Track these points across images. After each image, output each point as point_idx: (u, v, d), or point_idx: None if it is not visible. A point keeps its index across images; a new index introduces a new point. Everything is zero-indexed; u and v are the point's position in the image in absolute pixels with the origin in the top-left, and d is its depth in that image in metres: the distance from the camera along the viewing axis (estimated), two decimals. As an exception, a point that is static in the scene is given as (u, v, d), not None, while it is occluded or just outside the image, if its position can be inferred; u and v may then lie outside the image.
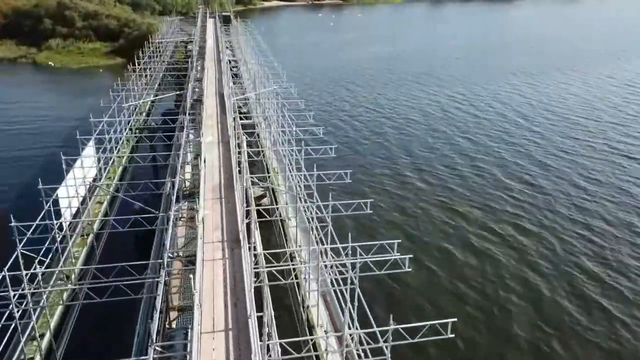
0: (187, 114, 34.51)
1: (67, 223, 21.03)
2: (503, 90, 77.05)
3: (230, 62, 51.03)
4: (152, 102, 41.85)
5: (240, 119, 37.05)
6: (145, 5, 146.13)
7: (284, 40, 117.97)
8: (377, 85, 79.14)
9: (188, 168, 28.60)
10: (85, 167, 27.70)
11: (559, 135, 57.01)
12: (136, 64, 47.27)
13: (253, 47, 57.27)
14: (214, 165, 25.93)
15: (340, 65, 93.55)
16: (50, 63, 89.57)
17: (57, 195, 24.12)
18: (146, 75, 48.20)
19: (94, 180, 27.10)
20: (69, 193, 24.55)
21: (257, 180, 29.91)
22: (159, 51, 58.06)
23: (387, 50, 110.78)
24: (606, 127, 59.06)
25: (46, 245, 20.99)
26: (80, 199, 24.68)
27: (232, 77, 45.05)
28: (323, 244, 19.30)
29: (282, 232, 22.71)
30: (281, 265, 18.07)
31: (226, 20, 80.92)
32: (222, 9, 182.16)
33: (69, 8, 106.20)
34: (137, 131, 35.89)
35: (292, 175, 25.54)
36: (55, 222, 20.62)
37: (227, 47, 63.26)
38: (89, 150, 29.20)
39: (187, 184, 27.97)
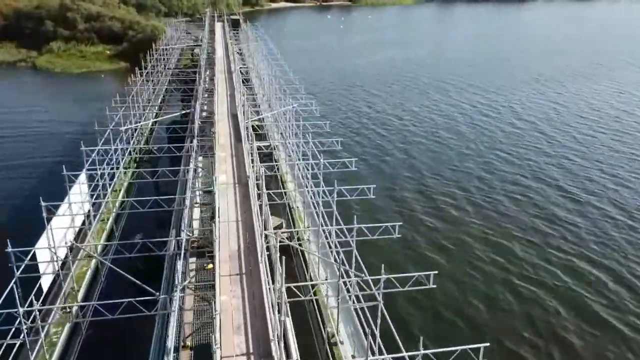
0: (195, 138, 29.15)
1: (35, 315, 15.64)
2: (529, 98, 71.40)
3: (241, 72, 45.71)
4: (154, 123, 36.40)
5: (256, 137, 31.62)
6: (151, 7, 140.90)
7: (294, 43, 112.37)
8: (397, 93, 73.47)
9: (196, 212, 23.25)
10: (71, 214, 22.43)
11: (601, 147, 51.58)
12: (138, 75, 42.02)
13: (265, 55, 51.76)
14: (230, 218, 20.48)
15: (356, 71, 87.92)
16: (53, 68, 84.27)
17: (34, 253, 18.91)
18: (148, 89, 42.81)
19: (77, 236, 21.76)
20: (48, 254, 19.24)
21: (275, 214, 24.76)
22: (164, 59, 52.71)
23: (402, 54, 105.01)
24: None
25: (8, 339, 15.70)
26: (61, 261, 19.31)
27: (245, 91, 39.57)
28: (378, 351, 13.96)
29: (318, 317, 17.29)
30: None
31: (235, 24, 75.31)
32: (229, 10, 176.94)
33: (71, 9, 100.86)
34: (135, 161, 30.59)
35: (325, 231, 20.15)
36: (21, 309, 15.27)
37: (237, 52, 57.81)
38: (77, 189, 23.85)
39: (196, 232, 22.69)
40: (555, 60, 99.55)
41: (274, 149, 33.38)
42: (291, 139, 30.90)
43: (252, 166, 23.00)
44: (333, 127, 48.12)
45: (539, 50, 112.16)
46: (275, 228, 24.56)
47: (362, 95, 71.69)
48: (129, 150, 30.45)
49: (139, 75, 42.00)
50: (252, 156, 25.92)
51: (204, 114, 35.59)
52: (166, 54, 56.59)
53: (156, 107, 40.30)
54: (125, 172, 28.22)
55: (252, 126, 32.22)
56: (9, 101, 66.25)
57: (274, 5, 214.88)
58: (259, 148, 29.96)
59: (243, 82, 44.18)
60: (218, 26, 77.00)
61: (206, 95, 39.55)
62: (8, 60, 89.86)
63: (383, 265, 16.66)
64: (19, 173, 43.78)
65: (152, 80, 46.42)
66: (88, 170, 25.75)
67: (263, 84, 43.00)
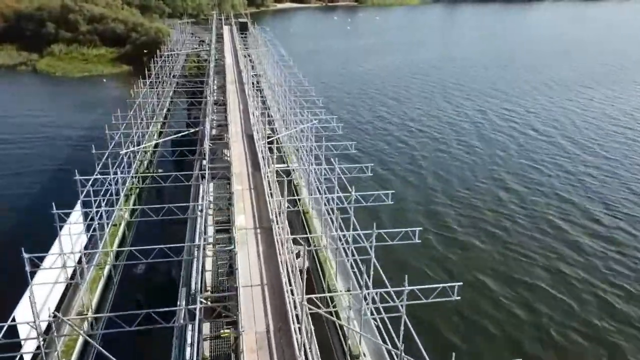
0: (205, 163, 25.31)
1: None
2: (546, 103, 67.49)
3: (254, 83, 41.90)
4: (157, 144, 32.60)
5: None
6: (154, 8, 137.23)
7: (302, 45, 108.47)
8: (415, 99, 69.42)
9: (209, 262, 19.44)
10: (62, 265, 18.68)
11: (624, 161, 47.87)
12: (140, 84, 38.26)
13: (277, 61, 47.57)
14: (254, 281, 16.61)
15: (369, 75, 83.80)
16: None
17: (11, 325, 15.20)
18: (152, 101, 39.03)
19: (66, 292, 18.05)
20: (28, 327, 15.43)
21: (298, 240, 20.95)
22: (169, 66, 48.92)
23: (413, 58, 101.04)
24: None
25: None
26: (43, 338, 15.48)
27: (259, 106, 35.56)
28: None
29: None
30: None
31: (243, 28, 71.06)
32: (235, 11, 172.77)
33: (73, 11, 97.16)
34: (137, 188, 26.81)
35: (367, 296, 16.32)
36: None
37: (245, 57, 53.76)
38: (67, 230, 20.02)
39: (209, 280, 18.95)
40: (569, 63, 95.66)
41: (293, 172, 29.52)
42: (312, 164, 26.91)
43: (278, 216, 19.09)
44: (357, 145, 44.05)
45: (550, 52, 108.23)
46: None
47: (379, 101, 67.74)
48: (129, 178, 26.60)
49: (141, 85, 38.25)
50: (271, 189, 22.12)
51: (214, 131, 31.74)
52: (171, 60, 52.80)
53: (159, 124, 36.48)
54: (127, 198, 24.42)
55: (269, 147, 28.41)
56: (5, 106, 62.55)
57: (279, 5, 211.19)
58: (278, 175, 26.08)
59: (255, 91, 40.32)
60: (225, 30, 72.92)
61: (216, 109, 35.67)
62: (8, 63, 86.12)
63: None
64: (5, 195, 39.78)
65: (156, 90, 42.69)
66: (82, 205, 21.91)
67: (276, 95, 39.11)
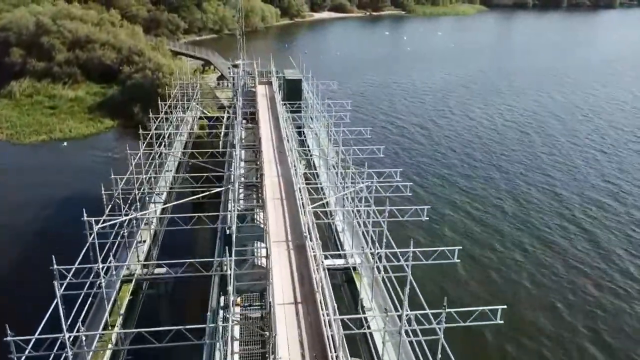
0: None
1: None
2: None
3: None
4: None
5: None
6: (166, 23, 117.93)
7: (360, 83, 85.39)
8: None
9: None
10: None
11: None
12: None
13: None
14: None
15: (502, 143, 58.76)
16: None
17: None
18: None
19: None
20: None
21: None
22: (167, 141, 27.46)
23: (551, 110, 73.62)
24: None
25: None
26: None
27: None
28: None
29: None
30: None
31: (293, 92, 39.06)
32: (265, 23, 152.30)
33: (49, 32, 77.52)
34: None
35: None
36: None
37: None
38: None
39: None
40: None
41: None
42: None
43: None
44: None
45: None
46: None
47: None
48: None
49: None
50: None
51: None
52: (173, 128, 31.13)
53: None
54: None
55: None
56: None
57: (316, 15, 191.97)
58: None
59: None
60: (260, 96, 37.95)
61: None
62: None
63: None
64: None
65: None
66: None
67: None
